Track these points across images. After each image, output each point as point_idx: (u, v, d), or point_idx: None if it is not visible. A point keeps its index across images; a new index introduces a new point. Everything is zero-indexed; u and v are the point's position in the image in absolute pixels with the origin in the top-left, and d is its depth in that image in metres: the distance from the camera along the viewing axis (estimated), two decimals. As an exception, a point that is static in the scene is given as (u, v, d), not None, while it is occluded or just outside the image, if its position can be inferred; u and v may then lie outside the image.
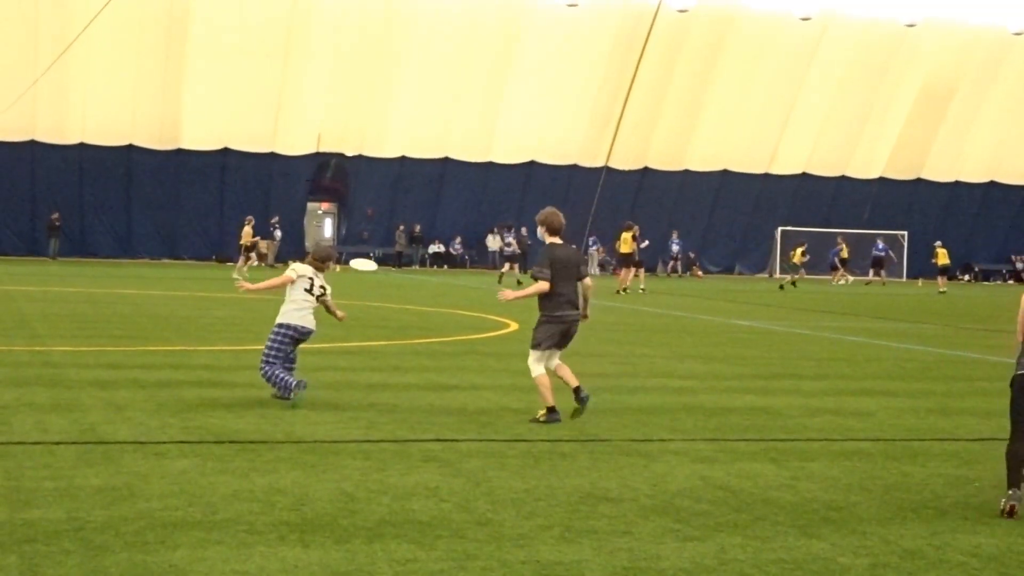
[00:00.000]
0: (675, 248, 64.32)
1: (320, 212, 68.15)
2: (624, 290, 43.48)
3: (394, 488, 9.95)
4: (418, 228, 64.44)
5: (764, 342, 25.56)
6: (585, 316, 14.14)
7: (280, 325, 14.66)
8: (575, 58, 60.84)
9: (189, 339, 22.10)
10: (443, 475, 10.55)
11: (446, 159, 63.15)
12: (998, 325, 33.38)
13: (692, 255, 64.82)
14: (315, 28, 58.31)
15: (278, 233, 60.85)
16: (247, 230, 48.13)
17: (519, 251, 52.38)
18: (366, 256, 52.82)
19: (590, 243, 64.92)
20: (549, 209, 14.24)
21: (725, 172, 66.28)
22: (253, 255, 48.35)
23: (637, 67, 61.87)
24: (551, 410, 13.64)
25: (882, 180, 68.74)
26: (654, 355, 21.85)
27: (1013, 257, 70.90)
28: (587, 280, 14.07)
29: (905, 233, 66.22)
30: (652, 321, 31.04)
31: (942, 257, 55.26)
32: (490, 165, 63.49)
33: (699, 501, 9.83)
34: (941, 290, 52.30)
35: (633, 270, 44.92)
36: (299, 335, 14.67)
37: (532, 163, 63.92)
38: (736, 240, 68.21)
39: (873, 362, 22.07)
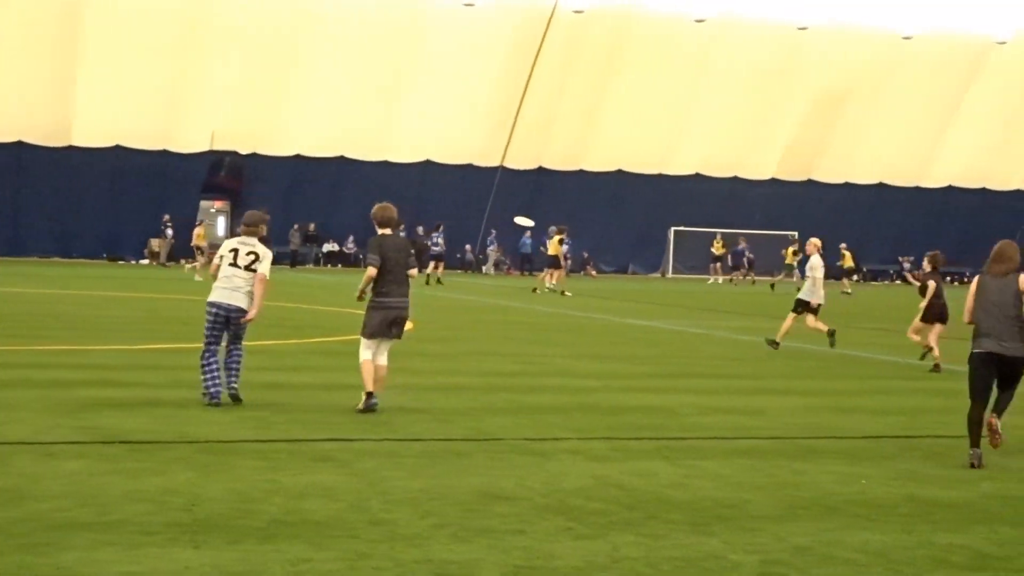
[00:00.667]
0: (564, 248, 64.45)
1: (213, 210, 67.51)
2: (535, 289, 44.68)
3: (288, 488, 9.89)
4: (313, 227, 64.11)
5: (660, 341, 25.73)
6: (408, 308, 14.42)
7: (207, 304, 14.18)
8: (472, 58, 60.81)
9: (82, 338, 21.81)
10: (338, 475, 10.51)
11: (341, 158, 62.86)
12: (889, 325, 33.86)
13: (585, 255, 64.99)
14: (211, 25, 57.75)
15: (169, 231, 60.20)
16: (199, 231, 48.63)
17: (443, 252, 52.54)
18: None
19: (488, 242, 64.95)
20: (380, 205, 14.49)
21: (620, 172, 66.60)
22: (202, 255, 47.88)
23: (533, 67, 62.05)
24: (368, 395, 13.95)
25: (774, 181, 69.47)
26: (551, 354, 21.91)
27: (900, 258, 71.95)
28: (413, 271, 14.41)
29: (795, 233, 66.90)
30: (549, 320, 31.13)
31: (847, 259, 55.93)
32: (386, 164, 63.30)
33: (593, 500, 9.87)
34: (846, 291, 52.79)
35: (554, 271, 45.52)
36: (224, 313, 14.01)
37: (428, 162, 63.81)
38: (631, 240, 68.57)
39: (767, 361, 22.29)
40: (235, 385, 14.15)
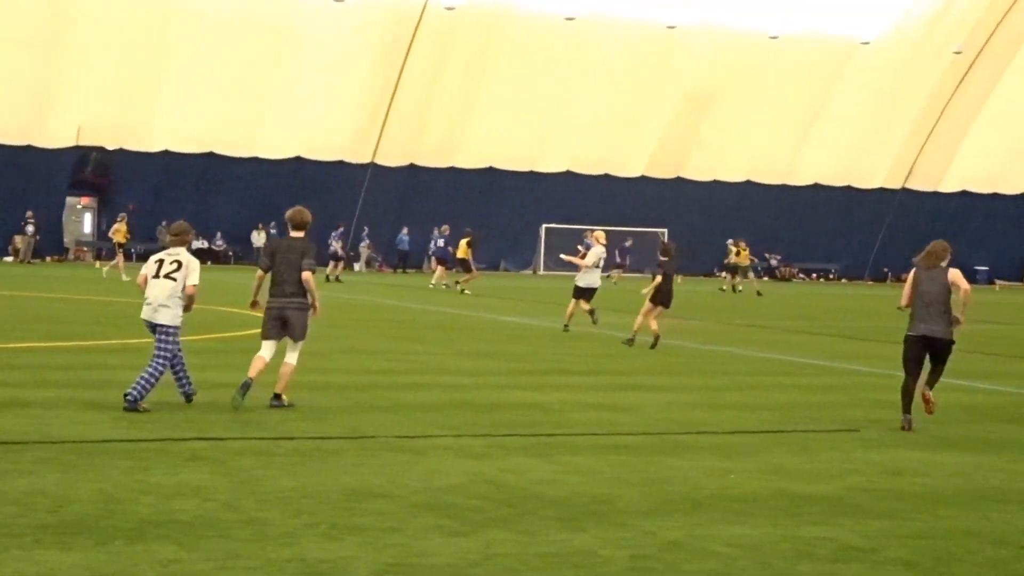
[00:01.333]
0: (440, 243, 64.38)
1: (80, 207, 66.38)
2: (445, 285, 46.29)
3: (158, 488, 9.78)
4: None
5: (534, 338, 25.81)
6: (313, 308, 14.51)
7: None
8: (343, 53, 60.44)
9: (-58, 337, 21.36)
10: (209, 474, 10.41)
11: (211, 154, 62.17)
12: (758, 321, 34.33)
13: (450, 249, 64.73)
14: (77, 17, 56.78)
15: (30, 228, 59.05)
16: (120, 227, 47.12)
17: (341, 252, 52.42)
18: None
19: (362, 238, 64.64)
20: (294, 208, 15.00)
21: (492, 169, 66.66)
22: (122, 252, 46.72)
23: (404, 63, 61.88)
24: (244, 383, 14.16)
25: (644, 179, 69.98)
26: (425, 352, 21.89)
27: (767, 255, 72.92)
28: (306, 273, 14.35)
29: (665, 230, 67.48)
30: (424, 318, 31.10)
31: (741, 256, 55.47)
32: (256, 160, 62.75)
33: (467, 497, 9.89)
34: (738, 288, 52.73)
35: (444, 270, 45.64)
36: (150, 328, 14.06)
37: (299, 159, 63.35)
38: (502, 237, 68.69)
39: (640, 358, 22.46)
40: (132, 395, 13.71)
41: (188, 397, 14.33)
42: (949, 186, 75.65)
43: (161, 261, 14.10)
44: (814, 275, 74.29)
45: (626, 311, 28.66)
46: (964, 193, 75.97)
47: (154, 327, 13.99)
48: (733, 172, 71.19)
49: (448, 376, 18.19)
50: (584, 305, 26.71)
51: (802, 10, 65.46)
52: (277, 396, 14.38)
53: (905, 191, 75.11)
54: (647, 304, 24.42)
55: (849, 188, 73.86)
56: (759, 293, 50.30)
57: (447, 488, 10.19)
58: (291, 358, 14.46)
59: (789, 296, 48.67)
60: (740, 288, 52.90)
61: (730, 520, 9.43)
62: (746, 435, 13.68)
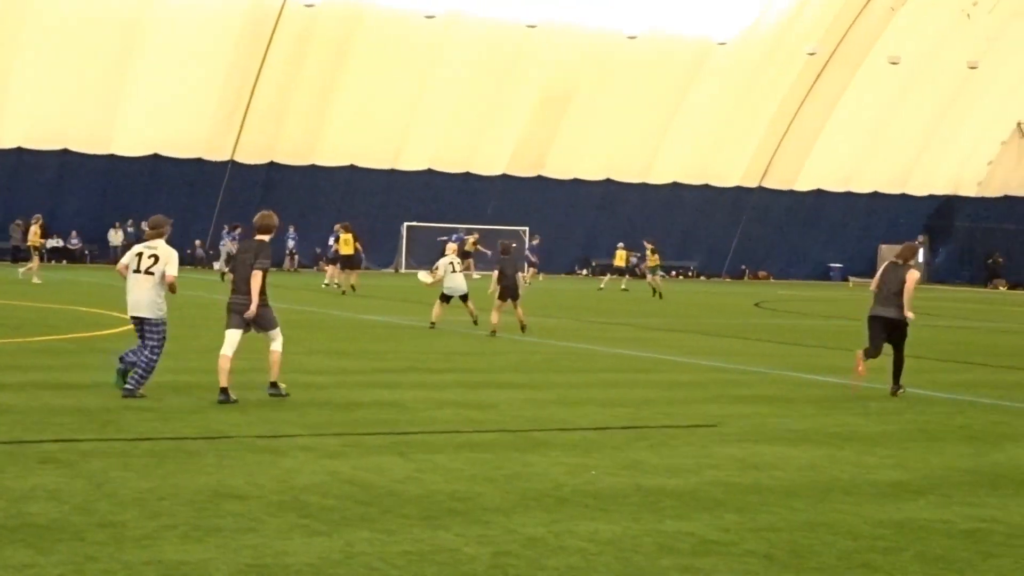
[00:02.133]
0: (291, 243, 64.07)
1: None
2: (334, 284, 46.02)
3: (9, 491, 9.59)
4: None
5: (392, 337, 25.76)
6: (263, 304, 15.37)
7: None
8: (200, 49, 59.74)
9: None
10: (63, 477, 10.23)
11: (65, 151, 61.12)
12: (617, 318, 34.61)
13: (318, 251, 64.44)
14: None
15: None
16: (35, 229, 45.64)
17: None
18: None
19: (223, 235, 63.92)
20: (260, 212, 15.84)
21: (352, 168, 66.36)
22: (38, 255, 45.41)
23: (264, 60, 61.35)
24: (221, 391, 14.79)
25: (505, 177, 70.19)
26: (284, 350, 21.70)
27: (628, 253, 73.63)
28: (255, 271, 15.12)
29: (527, 228, 67.75)
30: (283, 316, 30.82)
31: (619, 259, 55.12)
32: (112, 158, 61.78)
33: (327, 496, 9.84)
34: (623, 288, 52.52)
35: (346, 270, 45.23)
36: (137, 321, 15.04)
37: (156, 156, 62.52)
38: (363, 235, 68.42)
39: (499, 355, 22.52)
40: (129, 385, 14.86)
41: (129, 394, 14.87)
42: (804, 184, 77.00)
43: (140, 255, 15.03)
44: (673, 272, 75.05)
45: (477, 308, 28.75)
46: (818, 191, 77.38)
47: (141, 321, 14.96)
48: (593, 171, 71.68)
49: (306, 375, 18.08)
50: (469, 305, 28.40)
51: (659, 10, 66.16)
52: (274, 384, 15.49)
53: (761, 189, 76.28)
54: (496, 301, 26.76)
55: (707, 186, 74.80)
56: (659, 294, 48.54)
57: (306, 487, 10.13)
58: (276, 344, 15.54)
59: (649, 293, 49.08)
60: (625, 287, 52.72)
61: (591, 516, 9.49)
62: (605, 431, 13.78)
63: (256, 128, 63.12)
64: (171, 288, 14.97)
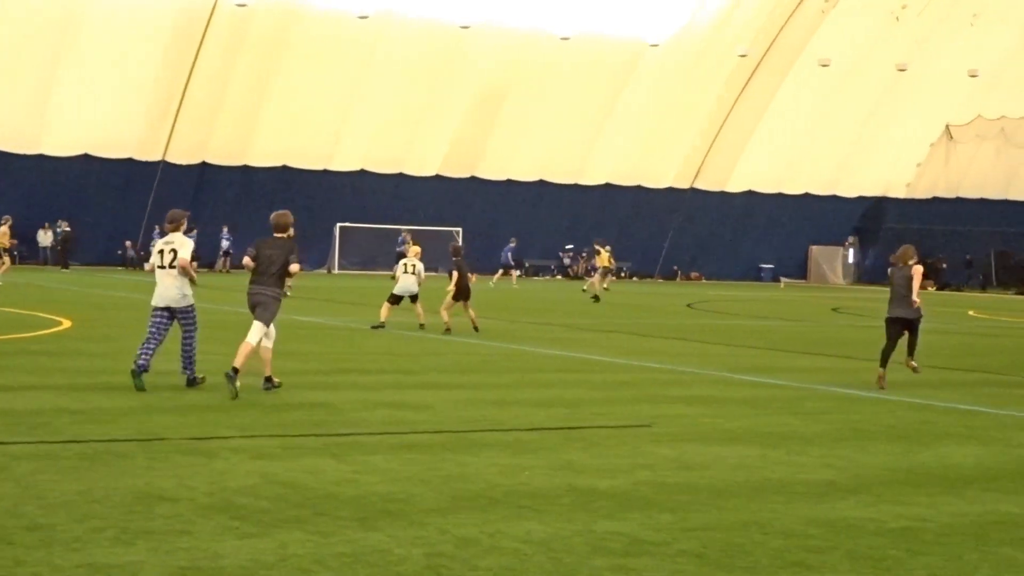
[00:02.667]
0: (225, 244, 63.72)
1: None
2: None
3: (-62, 495, 9.48)
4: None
5: (325, 338, 25.68)
6: (285, 293, 17.21)
7: (151, 305, 16.50)
8: (131, 48, 59.28)
9: None
10: (-9, 480, 10.13)
11: (-7, 151, 60.60)
12: (551, 319, 34.66)
13: (252, 251, 64.01)
14: None
15: None
16: (3, 230, 44.77)
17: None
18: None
19: (153, 237, 63.46)
20: (276, 212, 17.43)
21: (285, 168, 66.09)
22: (6, 258, 44.60)
23: (196, 60, 60.96)
24: (233, 369, 15.86)
25: (438, 178, 70.14)
26: (214, 352, 21.59)
27: (561, 253, 73.78)
28: (293, 268, 16.83)
29: (459, 229, 67.73)
30: (212, 318, 30.67)
31: (603, 258, 52.78)
32: (42, 158, 61.20)
33: (259, 498, 9.79)
34: (605, 287, 50.82)
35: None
36: (167, 312, 16.41)
37: (86, 156, 61.98)
38: (296, 236, 68.13)
39: (433, 356, 22.50)
40: (190, 371, 16.51)
41: (192, 381, 16.55)
42: (736, 186, 77.47)
43: (161, 252, 16.37)
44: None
45: (408, 309, 28.69)
46: (750, 193, 77.86)
47: (172, 312, 16.38)
48: (526, 172, 71.76)
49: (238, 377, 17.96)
50: (417, 307, 28.77)
51: (592, 12, 66.30)
52: (268, 379, 16.54)
53: (693, 191, 76.65)
54: (448, 300, 27.57)
55: (639, 188, 75.06)
56: (596, 296, 47.36)
57: (239, 489, 10.07)
58: (269, 341, 16.65)
59: (580, 293, 49.19)
60: (606, 287, 51.15)
61: (524, 516, 9.50)
62: (539, 432, 13.80)
63: (188, 128, 62.73)
64: (183, 271, 16.17)
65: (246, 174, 65.64)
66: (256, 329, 16.56)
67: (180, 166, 63.95)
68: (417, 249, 29.83)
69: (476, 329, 27.76)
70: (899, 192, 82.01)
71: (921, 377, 20.86)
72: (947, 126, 79.50)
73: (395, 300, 28.39)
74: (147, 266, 16.83)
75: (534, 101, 68.56)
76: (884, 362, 20.04)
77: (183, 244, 16.40)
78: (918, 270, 20.24)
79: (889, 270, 20.81)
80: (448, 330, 27.16)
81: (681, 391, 18.25)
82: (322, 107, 64.47)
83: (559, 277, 71.31)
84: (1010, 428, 15.60)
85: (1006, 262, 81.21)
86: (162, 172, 63.70)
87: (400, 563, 8.06)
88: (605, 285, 51.29)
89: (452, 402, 16.01)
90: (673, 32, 68.89)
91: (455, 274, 27.62)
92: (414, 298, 28.48)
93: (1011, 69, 75.31)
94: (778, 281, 76.52)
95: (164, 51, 60.32)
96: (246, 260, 16.89)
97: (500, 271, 60.49)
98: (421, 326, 28.08)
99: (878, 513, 10.07)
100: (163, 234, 17.13)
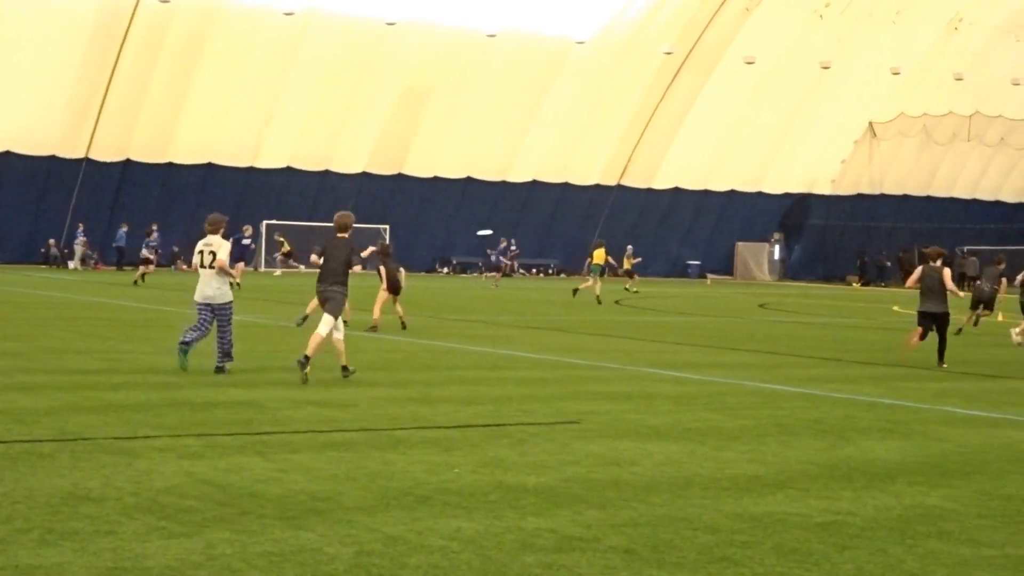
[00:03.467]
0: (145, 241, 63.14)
1: None
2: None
3: None
4: None
5: (248, 336, 25.52)
6: (343, 292, 18.18)
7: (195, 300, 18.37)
8: (53, 45, 58.68)
9: None
10: (-89, 481, 9.99)
11: (-88, 148, 59.80)
12: (475, 316, 34.66)
13: (175, 249, 63.52)
14: None
15: None
16: None
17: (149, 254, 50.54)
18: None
19: (76, 235, 62.87)
20: (339, 213, 18.70)
21: (210, 165, 65.65)
22: None
23: (119, 56, 60.40)
24: (305, 356, 17.51)
25: (365, 175, 69.91)
26: (137, 351, 21.44)
27: (489, 251, 73.81)
28: (356, 268, 18.18)
29: (387, 226, 67.55)
30: (135, 316, 30.44)
31: (599, 257, 49.29)
32: (-38, 156, 60.57)
33: (185, 497, 9.72)
34: (580, 286, 48.58)
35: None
36: (207, 307, 18.15)
37: (8, 153, 61.27)
38: (226, 235, 67.70)
39: (358, 353, 22.43)
40: (223, 360, 18.15)
41: (220, 370, 18.12)
42: (662, 183, 77.76)
43: (201, 252, 18.10)
44: (534, 270, 75.41)
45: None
46: (676, 190, 78.18)
47: (212, 307, 18.07)
48: (453, 169, 71.69)
49: (160, 375, 17.86)
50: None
51: (518, 9, 66.33)
52: (344, 368, 18.12)
53: (620, 187, 76.89)
54: (381, 295, 27.94)
55: (566, 184, 75.18)
56: (575, 293, 46.36)
57: (163, 489, 9.99)
58: (339, 334, 18.01)
59: (507, 290, 49.26)
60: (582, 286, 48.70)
61: (452, 514, 9.49)
62: (465, 429, 13.79)
63: (111, 125, 62.16)
64: (221, 271, 17.96)
65: (170, 172, 65.13)
66: (326, 322, 17.81)
67: (103, 164, 63.37)
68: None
69: (404, 327, 27.81)
70: (824, 189, 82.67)
71: (844, 372, 21.05)
72: (870, 123, 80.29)
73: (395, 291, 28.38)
74: (192, 267, 18.56)
75: (461, 98, 68.50)
76: (915, 341, 23.61)
77: (220, 246, 18.17)
78: (947, 272, 23.26)
79: (921, 267, 23.86)
80: (375, 327, 27.15)
81: (607, 387, 18.30)
82: (247, 104, 64.09)
83: (489, 273, 71.22)
84: (932, 422, 15.77)
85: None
86: (85, 170, 63.10)
87: (329, 562, 8.03)
88: (632, 287, 52.57)
89: (378, 400, 15.97)
90: (599, 29, 69.07)
91: (383, 270, 27.99)
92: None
93: (933, 67, 76.18)
94: (704, 278, 76.95)
95: (86, 47, 59.71)
96: (313, 258, 18.38)
97: (497, 272, 60.57)
98: (403, 325, 27.99)
99: (804, 508, 10.14)
100: (201, 236, 18.36)
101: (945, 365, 23.15)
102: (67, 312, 30.47)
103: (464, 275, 71.93)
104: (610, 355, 23.58)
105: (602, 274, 46.23)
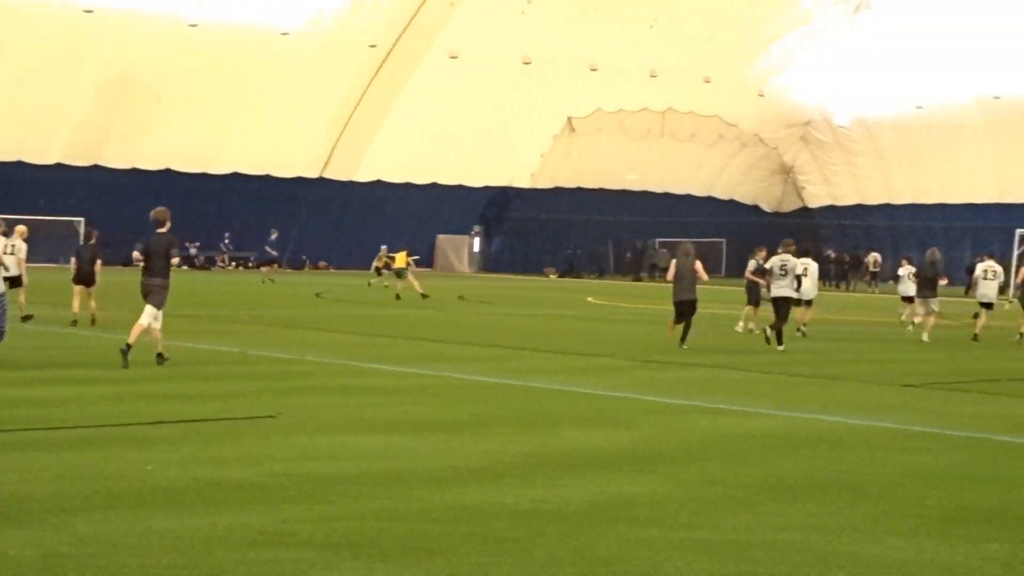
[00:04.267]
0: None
1: None
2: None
3: None
4: None
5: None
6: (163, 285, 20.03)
7: None
8: None
9: None
10: None
11: None
12: (176, 310, 34.03)
13: None
14: None
15: None
16: None
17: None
18: None
19: None
20: (156, 209, 20.67)
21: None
22: None
23: None
24: (127, 345, 19.05)
25: (60, 166, 67.93)
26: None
27: (188, 244, 72.47)
28: (174, 259, 20.18)
29: (82, 220, 65.70)
30: None
31: (400, 261, 47.74)
32: None
33: None
34: (384, 284, 47.33)
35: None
36: None
37: None
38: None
39: (71, 351, 21.82)
40: None
41: None
42: (364, 175, 77.72)
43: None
44: (234, 263, 74.45)
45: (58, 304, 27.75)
46: (378, 182, 78.24)
47: None
48: (152, 160, 70.25)
49: None
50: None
51: (222, -2, 65.38)
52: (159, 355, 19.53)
53: (321, 180, 76.55)
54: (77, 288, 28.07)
55: (268, 177, 74.46)
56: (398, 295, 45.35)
57: None
58: (156, 324, 19.74)
59: (202, 286, 48.56)
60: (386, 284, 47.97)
61: (146, 512, 9.32)
62: (161, 425, 13.56)
63: None
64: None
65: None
66: (148, 312, 19.77)
67: None
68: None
69: (93, 322, 27.37)
70: (524, 182, 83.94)
71: (545, 363, 21.40)
72: (569, 118, 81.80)
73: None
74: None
75: (161, 88, 67.12)
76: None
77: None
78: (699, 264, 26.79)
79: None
80: (75, 323, 27.15)
81: (307, 381, 18.25)
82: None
83: (184, 267, 69.98)
84: (634, 411, 16.13)
85: (623, 251, 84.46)
86: None
87: (15, 566, 7.79)
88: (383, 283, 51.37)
89: (75, 398, 15.57)
90: (305, 20, 68.56)
91: (74, 260, 28.27)
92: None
93: (629, 63, 78.07)
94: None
95: None
96: (135, 255, 19.72)
97: (269, 264, 59.68)
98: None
99: (499, 497, 10.30)
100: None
101: (685, 347, 25.94)
102: None
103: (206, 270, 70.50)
104: (311, 348, 23.46)
105: (399, 275, 46.44)
